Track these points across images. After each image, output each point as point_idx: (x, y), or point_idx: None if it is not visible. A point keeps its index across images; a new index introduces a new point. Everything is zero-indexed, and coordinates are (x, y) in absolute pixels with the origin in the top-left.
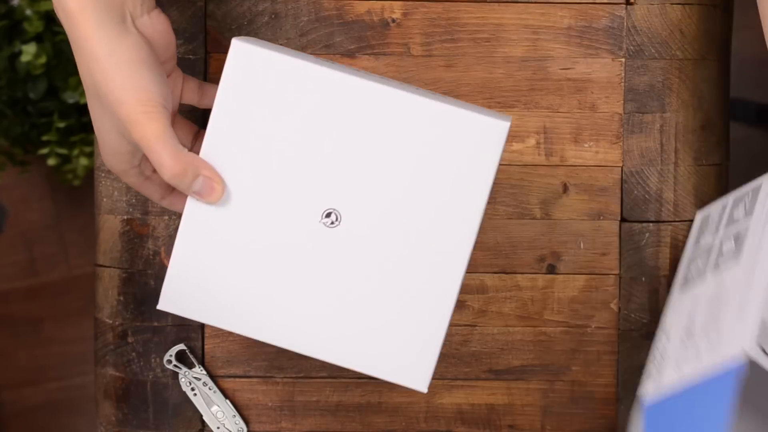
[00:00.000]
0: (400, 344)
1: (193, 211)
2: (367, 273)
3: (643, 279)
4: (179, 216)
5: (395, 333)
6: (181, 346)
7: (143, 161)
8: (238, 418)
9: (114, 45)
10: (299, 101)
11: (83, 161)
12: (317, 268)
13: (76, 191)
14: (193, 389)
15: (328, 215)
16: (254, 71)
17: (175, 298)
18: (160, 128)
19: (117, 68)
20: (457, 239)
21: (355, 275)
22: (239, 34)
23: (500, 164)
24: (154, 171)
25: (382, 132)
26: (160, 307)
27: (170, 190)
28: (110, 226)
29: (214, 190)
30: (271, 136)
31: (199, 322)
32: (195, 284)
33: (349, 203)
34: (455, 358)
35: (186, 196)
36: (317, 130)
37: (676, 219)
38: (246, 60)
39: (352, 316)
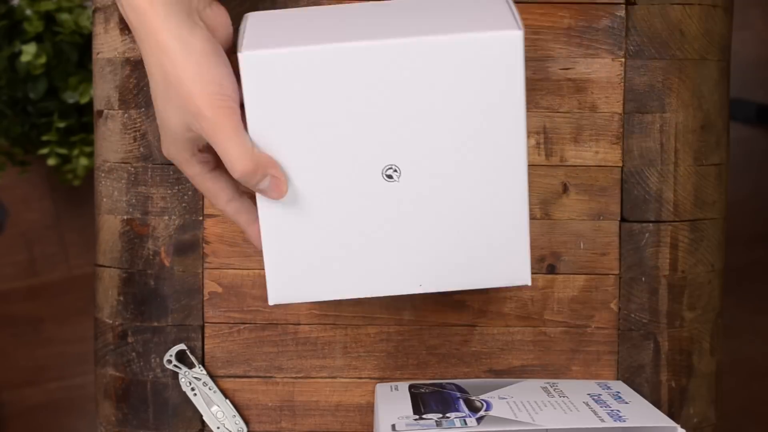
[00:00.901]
0: (492, 252)
1: (268, 205)
2: (438, 207)
3: (643, 279)
4: (179, 216)
5: (484, 244)
6: (181, 346)
7: (207, 151)
8: (238, 418)
9: (185, 38)
10: (322, 82)
11: (83, 161)
12: (394, 218)
13: (76, 191)
14: (193, 389)
15: (388, 171)
16: (270, 73)
17: (282, 288)
18: (232, 124)
19: (188, 61)
20: (511, 147)
21: (429, 212)
22: None
23: None
24: (222, 166)
25: (407, 83)
26: (271, 302)
27: (239, 193)
28: (110, 226)
29: (280, 188)
30: (310, 119)
31: (199, 322)
32: (292, 270)
33: (402, 155)
34: (455, 358)
35: (244, 213)
36: (349, 101)
37: (676, 219)
38: (259, 67)
39: (441, 246)
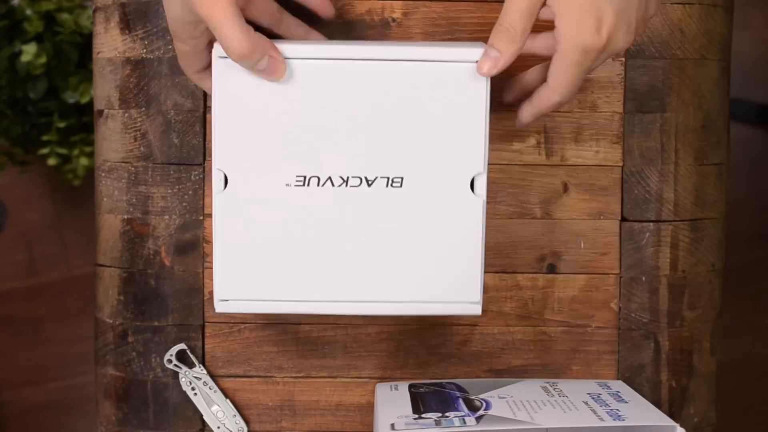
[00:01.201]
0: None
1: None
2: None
3: (643, 279)
4: (180, 215)
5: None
6: (182, 346)
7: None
8: (239, 418)
9: None
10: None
11: (83, 161)
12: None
13: (76, 191)
14: (193, 389)
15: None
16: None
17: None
18: (227, 6)
19: None
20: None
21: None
22: None
23: (501, 163)
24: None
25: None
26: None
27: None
28: (110, 225)
29: (278, 68)
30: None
31: (200, 322)
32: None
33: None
34: (456, 358)
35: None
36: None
37: (677, 219)
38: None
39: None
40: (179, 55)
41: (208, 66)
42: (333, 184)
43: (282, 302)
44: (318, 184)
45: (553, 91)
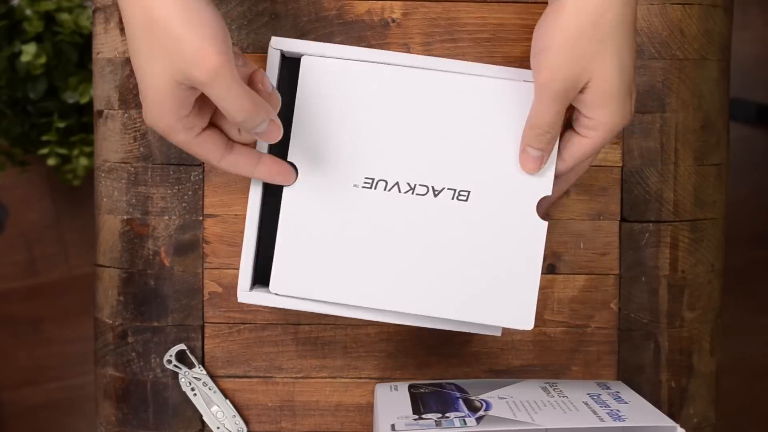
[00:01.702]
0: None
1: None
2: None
3: (643, 279)
4: (179, 216)
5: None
6: (181, 346)
7: (193, 115)
8: (238, 418)
9: None
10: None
11: (83, 161)
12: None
13: (76, 191)
14: (193, 389)
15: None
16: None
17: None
18: (230, 69)
19: (178, 4)
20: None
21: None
22: (239, 34)
23: None
24: (207, 128)
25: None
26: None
27: (230, 148)
28: (110, 226)
29: (275, 132)
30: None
31: (199, 322)
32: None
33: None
34: (456, 359)
35: (243, 158)
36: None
37: (676, 219)
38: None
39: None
40: (162, 127)
41: (201, 131)
42: (400, 190)
43: (331, 305)
44: (385, 189)
45: (566, 166)
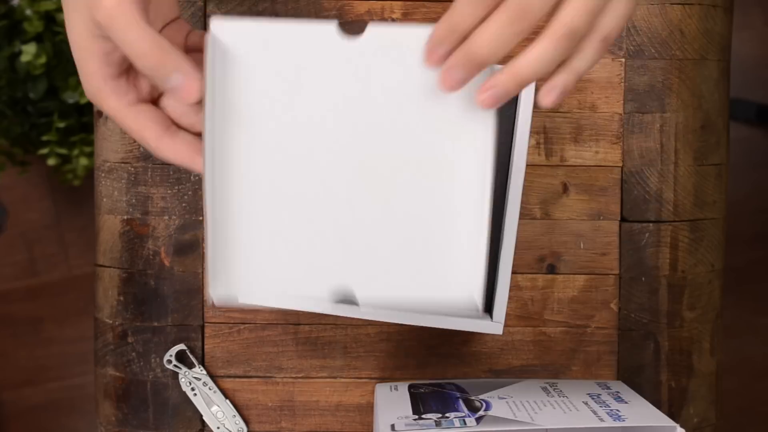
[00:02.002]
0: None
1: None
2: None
3: (643, 279)
4: (179, 215)
5: (439, 272)
6: (181, 346)
7: (123, 80)
8: (238, 418)
9: None
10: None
11: (83, 161)
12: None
13: (76, 191)
14: (193, 389)
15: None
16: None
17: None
18: (133, 9)
19: None
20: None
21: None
22: None
23: None
24: (144, 103)
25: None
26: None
27: (172, 131)
28: (110, 226)
29: (192, 88)
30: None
31: (199, 322)
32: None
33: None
34: (455, 358)
35: (185, 145)
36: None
37: (676, 219)
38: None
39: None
40: (92, 90)
41: (137, 102)
42: (333, 178)
43: (272, 298)
44: (318, 175)
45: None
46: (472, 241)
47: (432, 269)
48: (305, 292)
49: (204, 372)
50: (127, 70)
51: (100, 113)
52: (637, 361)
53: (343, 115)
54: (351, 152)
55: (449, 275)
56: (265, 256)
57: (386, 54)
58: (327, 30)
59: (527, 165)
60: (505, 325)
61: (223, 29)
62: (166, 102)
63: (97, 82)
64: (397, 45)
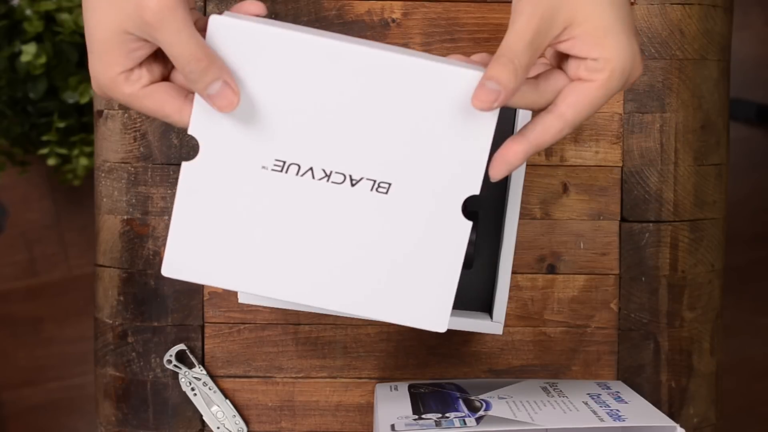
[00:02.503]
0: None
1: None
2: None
3: (643, 279)
4: None
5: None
6: (181, 346)
7: (138, 69)
8: (238, 418)
9: None
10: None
11: (83, 161)
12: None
13: (76, 191)
14: (193, 389)
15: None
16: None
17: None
18: (181, 14)
19: None
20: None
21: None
22: None
23: None
24: (157, 82)
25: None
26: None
27: (184, 95)
28: (110, 226)
29: (230, 98)
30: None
31: (199, 322)
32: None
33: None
34: (455, 359)
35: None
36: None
37: (676, 219)
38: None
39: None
40: (105, 81)
41: (150, 83)
42: (314, 177)
43: (231, 282)
44: (297, 173)
45: (566, 122)
46: (447, 267)
47: (402, 290)
48: (263, 281)
49: (204, 372)
50: (141, 62)
51: (100, 113)
52: (637, 361)
53: (331, 124)
54: (337, 160)
55: (419, 301)
56: (228, 245)
57: (378, 75)
58: (322, 44)
59: (527, 165)
60: (505, 325)
61: (223, 29)
62: (176, 74)
63: (113, 73)
64: (388, 70)
